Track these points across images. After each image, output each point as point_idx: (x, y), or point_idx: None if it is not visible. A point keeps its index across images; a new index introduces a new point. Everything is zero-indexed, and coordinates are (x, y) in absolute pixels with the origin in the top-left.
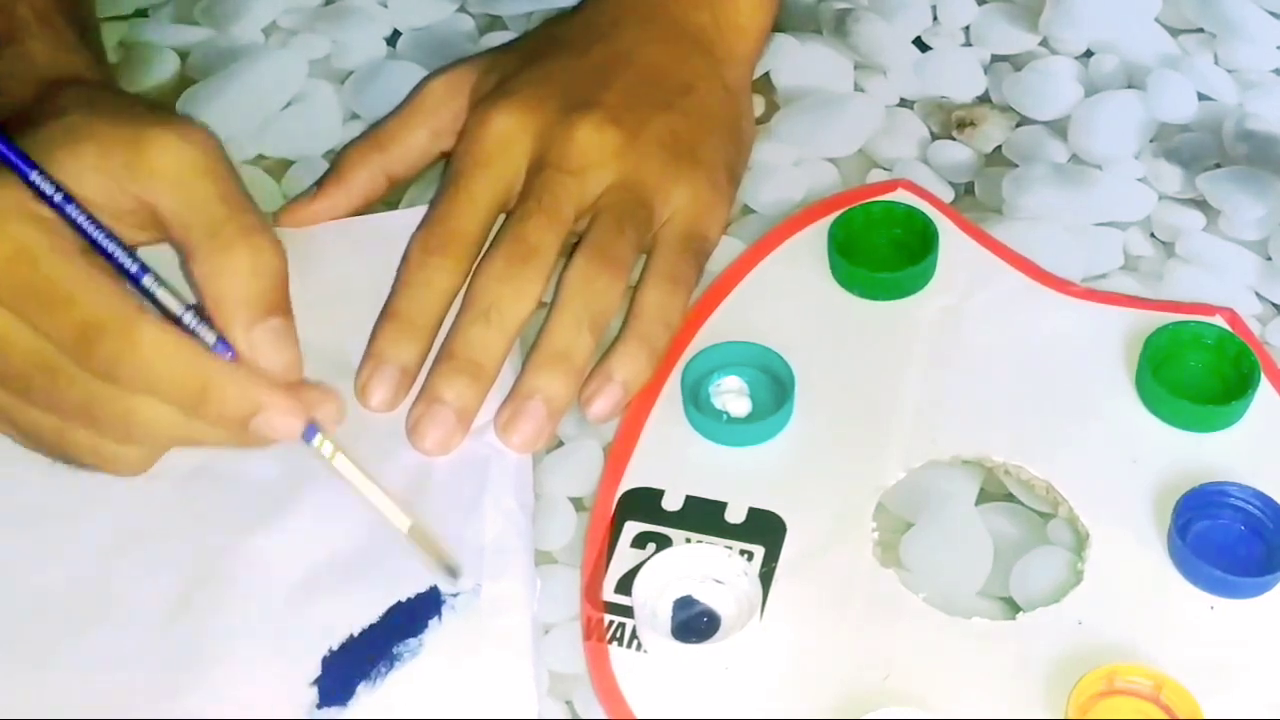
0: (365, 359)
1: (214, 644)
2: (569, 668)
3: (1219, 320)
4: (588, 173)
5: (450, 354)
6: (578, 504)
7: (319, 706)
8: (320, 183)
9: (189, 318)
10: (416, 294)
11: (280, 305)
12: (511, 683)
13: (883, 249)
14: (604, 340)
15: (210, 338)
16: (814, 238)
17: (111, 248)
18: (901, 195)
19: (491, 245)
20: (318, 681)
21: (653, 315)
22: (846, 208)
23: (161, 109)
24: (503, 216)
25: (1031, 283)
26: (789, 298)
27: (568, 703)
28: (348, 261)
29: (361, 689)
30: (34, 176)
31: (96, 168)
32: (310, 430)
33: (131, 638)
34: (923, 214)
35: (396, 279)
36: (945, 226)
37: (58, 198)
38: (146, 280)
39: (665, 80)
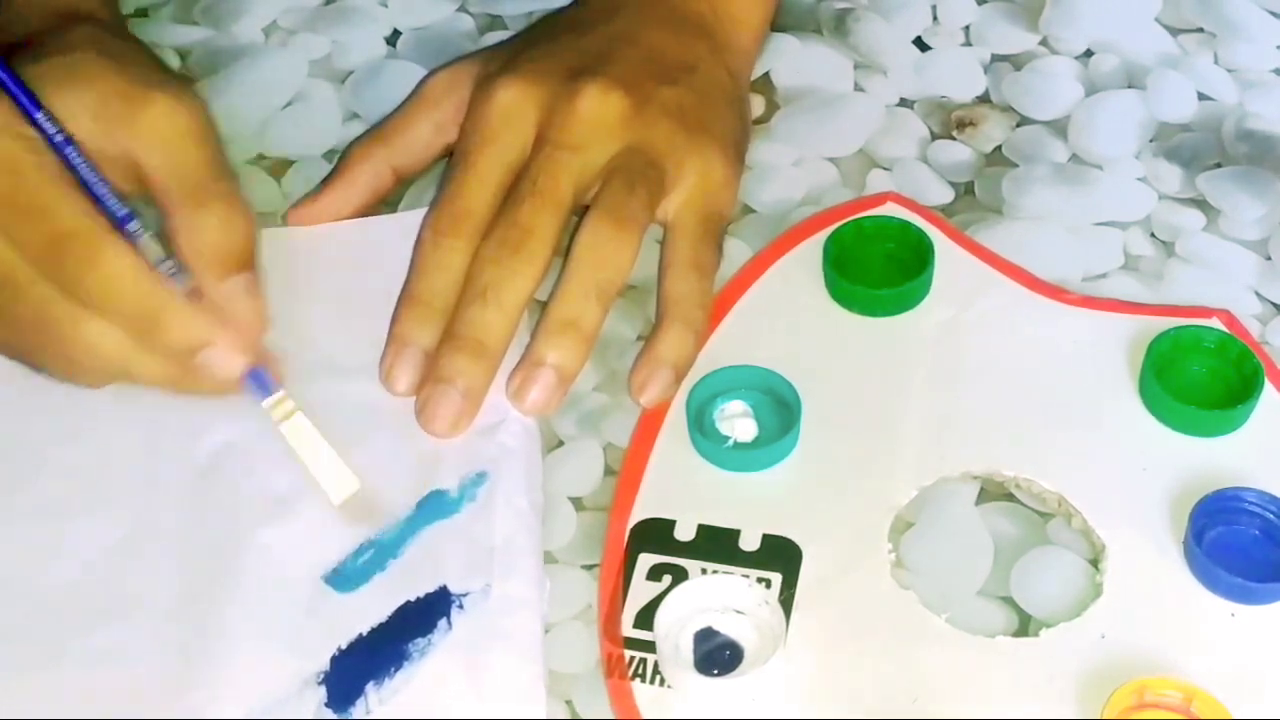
0: (388, 344)
1: (221, 641)
2: (569, 667)
3: (1215, 322)
4: (590, 147)
5: (451, 335)
6: (577, 504)
7: (327, 705)
8: (326, 180)
9: (166, 266)
10: (432, 277)
11: (249, 263)
12: (520, 684)
13: (877, 264)
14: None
15: (183, 287)
16: (806, 256)
17: (102, 191)
18: (890, 209)
19: (489, 229)
20: (326, 680)
21: (687, 300)
22: (838, 224)
23: (162, 65)
24: None
25: (1027, 292)
26: (787, 318)
27: (568, 702)
28: (347, 266)
29: (370, 688)
30: (39, 116)
31: (94, 114)
32: (261, 385)
33: (140, 635)
34: (916, 228)
35: (412, 263)
36: (937, 239)
37: (59, 138)
38: (132, 226)
39: (669, 59)
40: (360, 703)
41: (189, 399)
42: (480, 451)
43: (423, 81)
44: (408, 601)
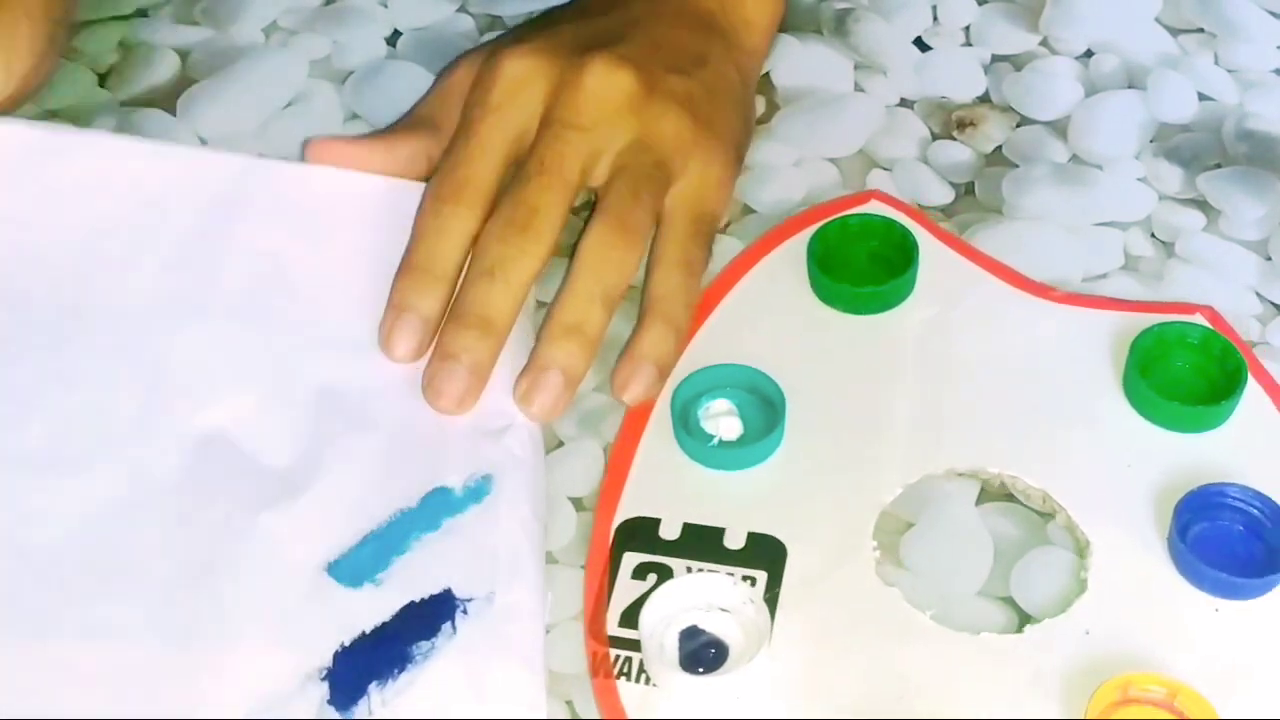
0: (387, 311)
1: (222, 626)
2: (569, 667)
3: (1199, 318)
4: (598, 128)
5: (458, 312)
6: (577, 504)
7: (329, 702)
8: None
9: None
10: (432, 243)
11: None
12: (522, 693)
13: (861, 262)
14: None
15: None
16: (791, 254)
17: None
18: (875, 207)
19: (495, 207)
20: (328, 677)
21: (672, 298)
22: (822, 222)
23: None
24: None
25: (1012, 290)
26: (771, 316)
27: (568, 703)
28: (369, 227)
29: (373, 688)
30: None
31: None
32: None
33: (137, 612)
34: (900, 225)
35: (413, 230)
36: (921, 236)
37: None
38: None
39: (679, 49)
40: (363, 703)
41: (195, 365)
42: (487, 454)
43: (443, 74)
44: (411, 602)
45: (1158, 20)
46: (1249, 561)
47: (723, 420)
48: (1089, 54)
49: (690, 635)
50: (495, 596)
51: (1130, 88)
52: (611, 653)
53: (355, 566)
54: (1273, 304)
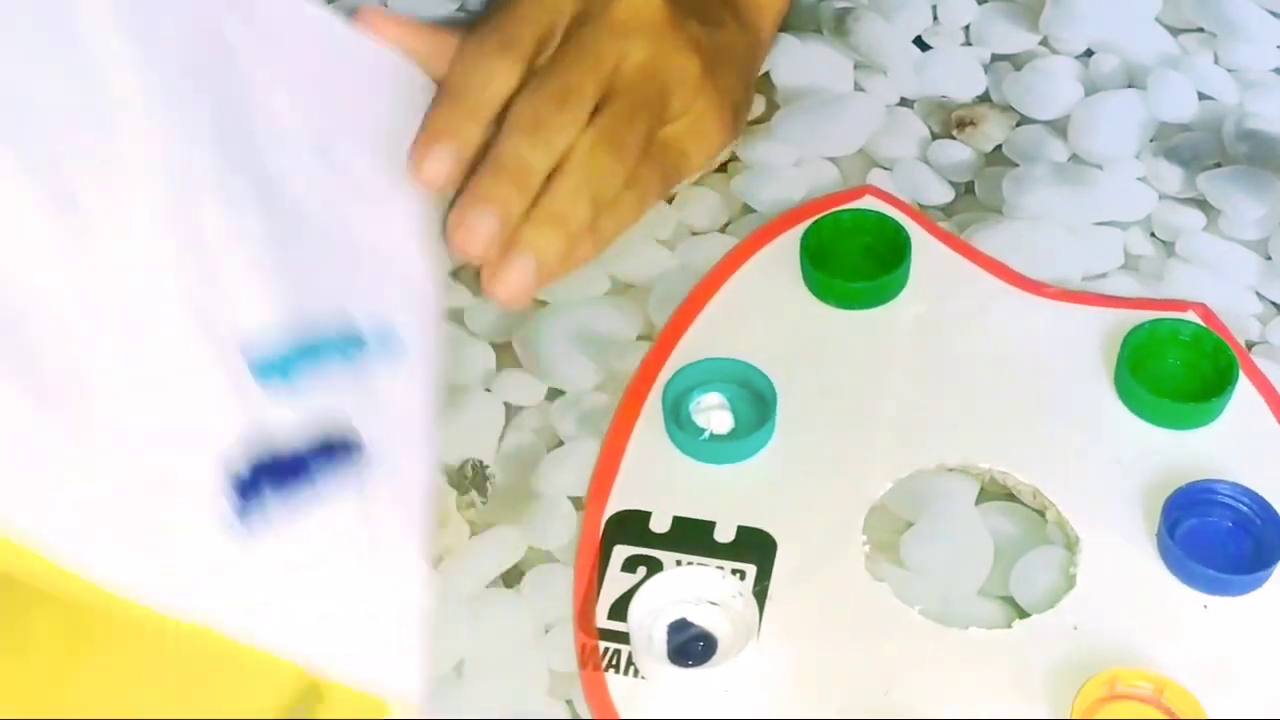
0: (420, 136)
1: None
2: (569, 667)
3: (1192, 316)
4: (624, 38)
5: (497, 162)
6: (577, 503)
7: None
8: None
9: None
10: (474, 80)
11: None
12: (408, 555)
13: (854, 257)
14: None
15: None
16: (785, 249)
17: None
18: (869, 202)
19: (532, 82)
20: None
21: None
22: (816, 217)
23: None
24: None
25: (1005, 285)
26: (764, 310)
27: (568, 702)
28: (388, 110)
29: (270, 491)
30: None
31: None
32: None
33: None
34: (893, 221)
35: (450, 73)
36: (915, 232)
37: None
38: None
39: (702, 5)
40: (256, 502)
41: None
42: (397, 308)
43: None
44: (323, 436)
45: (1158, 20)
46: (1238, 558)
47: (714, 414)
48: (1089, 53)
49: (679, 628)
50: (399, 456)
51: (1130, 87)
52: (600, 645)
53: (275, 369)
54: (1272, 303)
